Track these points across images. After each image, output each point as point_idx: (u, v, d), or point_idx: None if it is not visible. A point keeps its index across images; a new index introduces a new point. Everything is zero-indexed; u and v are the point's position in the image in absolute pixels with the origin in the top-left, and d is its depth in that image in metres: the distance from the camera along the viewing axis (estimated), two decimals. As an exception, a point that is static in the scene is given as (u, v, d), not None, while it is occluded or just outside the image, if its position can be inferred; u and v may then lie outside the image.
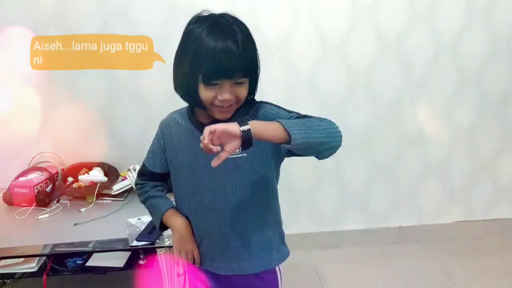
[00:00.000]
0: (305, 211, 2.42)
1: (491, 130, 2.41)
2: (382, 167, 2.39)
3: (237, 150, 0.91)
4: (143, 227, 1.62)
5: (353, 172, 2.38)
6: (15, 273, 1.71)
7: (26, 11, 1.87)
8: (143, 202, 1.25)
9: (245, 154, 0.90)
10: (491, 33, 2.23)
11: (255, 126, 0.89)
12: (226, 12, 1.04)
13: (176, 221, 1.16)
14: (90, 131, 2.09)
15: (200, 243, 1.17)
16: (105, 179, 1.93)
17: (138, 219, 1.68)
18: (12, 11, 1.87)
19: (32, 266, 1.71)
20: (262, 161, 1.08)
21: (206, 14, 1.04)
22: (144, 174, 1.24)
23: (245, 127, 0.88)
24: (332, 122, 1.00)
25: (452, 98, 2.31)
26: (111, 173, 2.00)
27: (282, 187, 2.24)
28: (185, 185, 1.13)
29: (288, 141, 0.90)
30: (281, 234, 1.20)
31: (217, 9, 1.07)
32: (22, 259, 1.69)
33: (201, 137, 0.88)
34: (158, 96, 2.00)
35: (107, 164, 2.05)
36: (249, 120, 0.90)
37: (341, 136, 0.98)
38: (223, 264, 1.14)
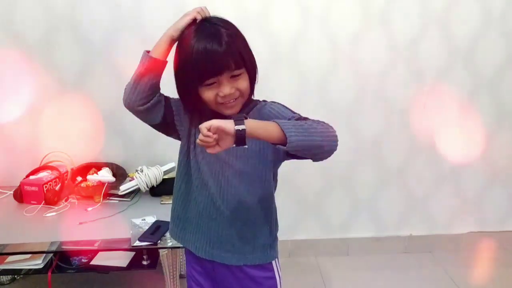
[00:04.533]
0: (314, 217, 2.39)
1: (507, 138, 2.34)
2: (393, 174, 2.35)
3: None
4: (147, 227, 1.63)
5: (364, 179, 2.34)
6: (21, 269, 1.75)
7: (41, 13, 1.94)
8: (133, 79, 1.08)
9: (245, 146, 0.90)
10: (507, 39, 2.18)
11: (251, 125, 0.89)
12: (214, 16, 1.05)
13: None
14: (100, 131, 2.11)
15: (189, 222, 1.17)
16: (113, 179, 1.95)
17: (142, 220, 1.69)
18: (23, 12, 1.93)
19: (38, 263, 1.74)
20: (261, 157, 1.08)
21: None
22: None
23: (239, 127, 0.87)
24: (330, 126, 0.99)
25: (466, 105, 2.26)
26: (119, 173, 2.02)
27: (291, 192, 2.28)
28: (182, 162, 1.16)
29: (284, 142, 0.90)
30: (271, 234, 1.18)
31: (228, 14, 1.07)
32: (29, 255, 1.73)
33: (199, 135, 0.88)
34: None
35: (116, 164, 2.07)
36: (246, 118, 0.90)
37: (337, 141, 0.97)
38: (205, 247, 1.15)
